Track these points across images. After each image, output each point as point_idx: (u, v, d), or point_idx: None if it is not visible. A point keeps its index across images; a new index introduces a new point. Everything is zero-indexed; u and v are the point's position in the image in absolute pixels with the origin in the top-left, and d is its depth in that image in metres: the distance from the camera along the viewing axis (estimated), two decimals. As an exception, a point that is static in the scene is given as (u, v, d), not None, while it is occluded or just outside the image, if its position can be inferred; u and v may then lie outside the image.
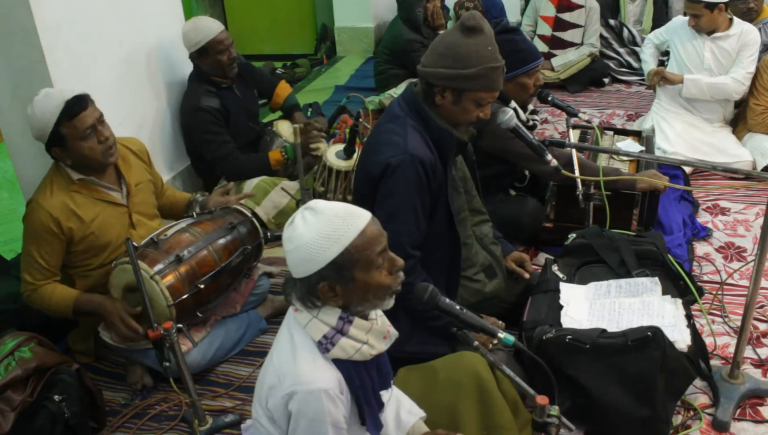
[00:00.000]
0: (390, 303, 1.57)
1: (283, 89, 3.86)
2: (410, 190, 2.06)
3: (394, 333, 1.62)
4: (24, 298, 2.35)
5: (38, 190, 2.32)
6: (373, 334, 1.55)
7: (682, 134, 3.78)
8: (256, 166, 3.37)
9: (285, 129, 3.65)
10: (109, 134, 2.31)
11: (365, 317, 1.57)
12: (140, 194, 2.51)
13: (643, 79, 5.19)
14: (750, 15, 3.89)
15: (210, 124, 3.27)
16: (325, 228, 1.44)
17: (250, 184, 3.33)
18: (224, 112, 3.34)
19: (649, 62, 4.08)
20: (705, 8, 3.58)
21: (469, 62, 2.00)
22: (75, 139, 2.24)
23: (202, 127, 3.27)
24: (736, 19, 3.71)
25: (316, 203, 1.49)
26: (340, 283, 1.47)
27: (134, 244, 2.22)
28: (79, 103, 2.23)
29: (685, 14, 3.80)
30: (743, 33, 3.68)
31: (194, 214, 2.61)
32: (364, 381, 1.56)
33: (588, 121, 3.07)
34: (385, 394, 1.72)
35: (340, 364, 1.51)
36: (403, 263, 1.56)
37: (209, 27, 3.25)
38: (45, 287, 2.31)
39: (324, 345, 1.50)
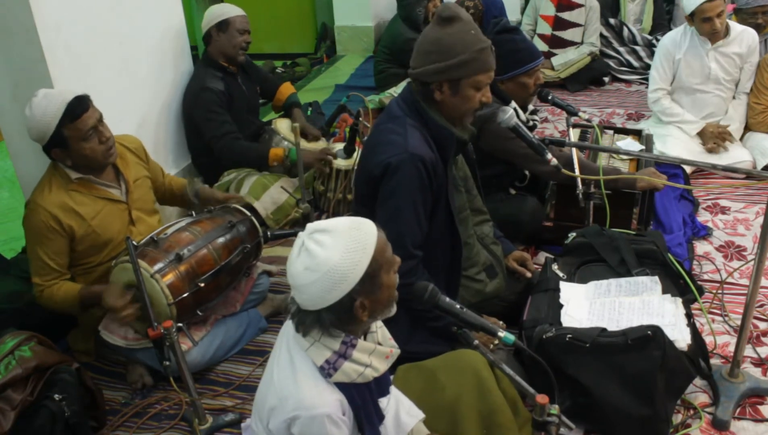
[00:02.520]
0: (394, 309, 1.57)
1: (287, 88, 3.90)
2: (411, 189, 2.06)
3: (396, 352, 1.62)
4: (37, 301, 2.36)
5: (36, 190, 2.32)
6: (376, 355, 1.55)
7: (681, 137, 3.78)
8: (253, 155, 3.39)
9: (284, 128, 3.66)
10: (110, 135, 2.32)
11: (366, 332, 1.57)
12: (139, 190, 2.52)
13: (643, 79, 5.20)
14: (757, 29, 3.85)
15: (213, 104, 3.32)
16: (349, 243, 1.41)
17: (250, 181, 3.34)
18: (228, 96, 3.39)
19: (681, 114, 3.81)
20: (725, 3, 3.54)
21: (456, 50, 2.01)
22: (77, 141, 2.24)
23: (204, 105, 3.32)
24: (729, 22, 3.69)
25: (319, 224, 1.45)
26: (370, 295, 1.45)
27: (134, 243, 2.22)
28: (80, 105, 2.23)
29: (689, 21, 3.72)
30: (744, 35, 3.67)
31: (193, 213, 2.62)
32: (366, 400, 1.56)
33: (588, 120, 3.07)
34: (383, 401, 1.72)
35: (342, 386, 1.51)
36: (399, 260, 1.56)
37: (235, 8, 3.49)
38: (51, 287, 2.31)
39: (326, 370, 1.48)
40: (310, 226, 1.46)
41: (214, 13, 3.43)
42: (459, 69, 2.02)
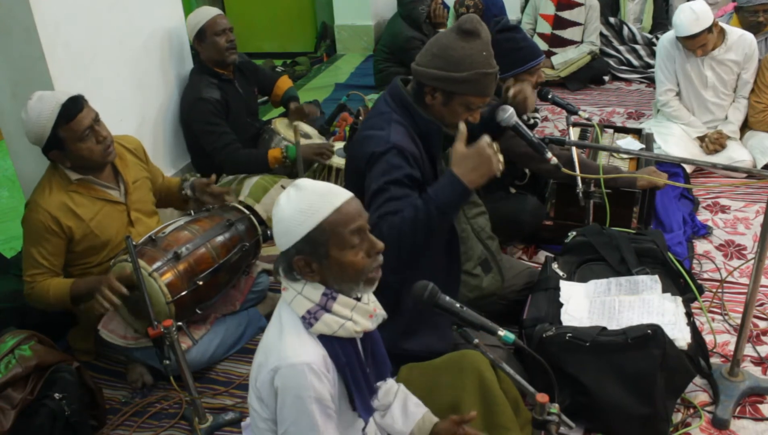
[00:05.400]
0: (369, 290, 1.58)
1: (284, 82, 3.87)
2: (394, 172, 2.02)
3: (381, 313, 1.63)
4: (26, 299, 2.35)
5: (36, 190, 2.32)
6: (358, 311, 1.56)
7: (683, 136, 3.78)
8: (254, 162, 3.38)
9: (284, 127, 3.65)
10: (107, 133, 2.31)
11: (353, 297, 1.58)
12: (138, 192, 2.52)
13: (643, 78, 5.21)
14: (758, 28, 3.85)
15: (210, 114, 3.28)
16: (302, 203, 1.49)
17: (249, 183, 3.33)
18: (224, 104, 3.36)
19: (688, 117, 3.82)
20: (708, 33, 3.52)
21: (462, 66, 1.98)
22: (74, 142, 2.24)
23: (202, 117, 3.28)
24: (726, 27, 3.68)
25: (302, 181, 1.54)
26: (315, 259, 1.50)
27: (134, 242, 2.22)
28: (74, 106, 2.22)
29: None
30: (742, 41, 3.65)
31: (192, 212, 2.62)
32: (351, 360, 1.57)
33: (588, 119, 3.07)
34: (382, 384, 1.72)
35: (325, 340, 1.53)
36: (382, 246, 1.56)
37: (208, 11, 3.40)
38: (42, 283, 2.30)
39: (308, 320, 1.52)
40: (300, 179, 1.56)
41: (190, 25, 3.36)
42: (456, 84, 2.00)
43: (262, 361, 1.54)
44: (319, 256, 1.50)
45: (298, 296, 1.54)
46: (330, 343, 1.53)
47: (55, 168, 2.33)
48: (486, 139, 1.86)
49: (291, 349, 1.49)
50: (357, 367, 1.58)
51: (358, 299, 1.58)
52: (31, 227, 2.29)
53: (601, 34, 5.25)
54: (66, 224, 2.28)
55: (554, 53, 5.13)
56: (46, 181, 2.33)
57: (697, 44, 3.57)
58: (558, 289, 2.30)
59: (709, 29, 3.51)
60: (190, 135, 3.43)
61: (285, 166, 3.39)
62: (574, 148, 2.66)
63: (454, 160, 1.88)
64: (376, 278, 1.57)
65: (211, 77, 3.35)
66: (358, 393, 1.58)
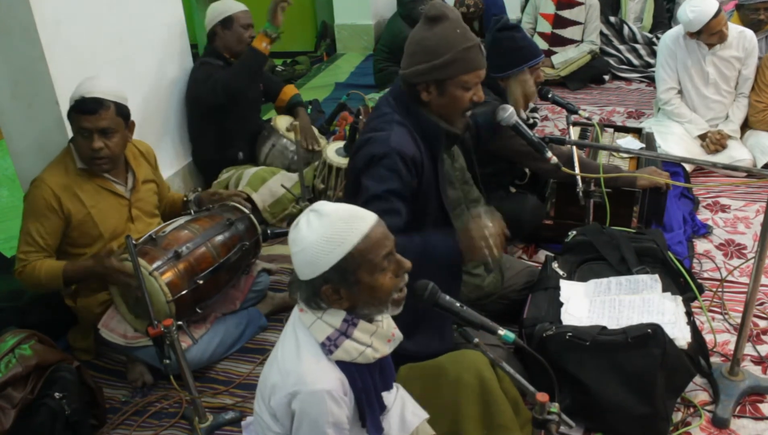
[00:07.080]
0: (396, 310, 1.56)
1: (290, 89, 3.90)
2: (393, 181, 2.01)
3: (398, 336, 1.62)
4: (16, 276, 2.34)
5: (45, 169, 2.37)
6: (378, 337, 1.55)
7: (683, 136, 3.78)
8: (242, 64, 3.35)
9: (284, 125, 3.66)
10: (101, 147, 2.30)
11: (370, 320, 1.57)
12: (144, 191, 2.54)
13: (643, 77, 5.21)
14: (759, 26, 3.85)
15: (212, 72, 3.33)
16: (328, 231, 1.44)
17: (249, 173, 3.34)
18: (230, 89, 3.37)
19: (690, 115, 3.81)
20: (723, 16, 3.53)
21: (440, 51, 1.97)
22: (73, 129, 2.33)
23: (203, 76, 3.33)
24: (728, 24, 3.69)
25: (321, 206, 1.49)
26: (344, 286, 1.47)
27: (134, 241, 2.22)
28: (85, 105, 2.28)
29: (691, 35, 3.66)
30: (742, 38, 3.66)
31: (192, 211, 2.62)
32: (367, 383, 1.56)
33: (588, 119, 3.06)
34: (387, 396, 1.72)
35: (343, 365, 1.52)
36: (410, 265, 1.55)
37: (237, 3, 3.50)
38: (34, 263, 2.30)
39: (328, 347, 1.50)
40: (317, 203, 1.51)
41: (217, 11, 3.43)
42: (443, 70, 1.99)
43: (278, 383, 1.51)
44: (348, 283, 1.46)
45: (317, 321, 1.51)
46: (348, 368, 1.52)
47: (68, 150, 2.39)
48: (484, 229, 1.93)
49: (311, 375, 1.47)
50: (372, 389, 1.58)
51: (371, 321, 1.57)
52: (33, 203, 2.31)
53: (602, 33, 5.25)
54: (66, 205, 2.31)
55: (554, 52, 5.13)
56: (58, 161, 2.38)
57: (719, 24, 3.53)
58: (558, 288, 2.30)
59: (720, 12, 3.52)
60: (192, 108, 3.45)
61: (273, 42, 3.39)
62: (574, 148, 2.66)
63: (463, 232, 1.97)
64: (402, 299, 1.56)
65: (222, 62, 3.41)
66: (371, 414, 1.58)
